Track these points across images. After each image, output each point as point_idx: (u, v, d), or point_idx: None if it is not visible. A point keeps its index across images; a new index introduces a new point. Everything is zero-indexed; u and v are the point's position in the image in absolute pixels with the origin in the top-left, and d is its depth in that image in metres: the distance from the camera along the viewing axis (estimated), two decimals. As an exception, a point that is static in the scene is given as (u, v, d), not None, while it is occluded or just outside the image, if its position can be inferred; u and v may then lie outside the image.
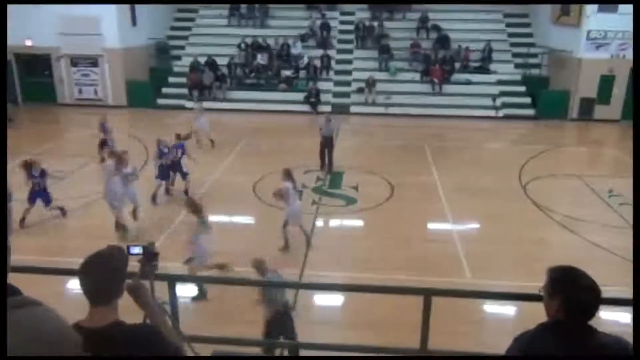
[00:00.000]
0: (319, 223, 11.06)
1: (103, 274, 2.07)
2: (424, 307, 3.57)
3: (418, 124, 19.47)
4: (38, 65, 21.71)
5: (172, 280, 3.65)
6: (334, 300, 8.21)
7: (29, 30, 20.33)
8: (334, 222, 11.37)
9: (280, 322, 6.01)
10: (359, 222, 11.41)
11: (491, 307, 7.94)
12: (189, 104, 21.25)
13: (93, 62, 21.43)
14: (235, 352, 4.53)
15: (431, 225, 11.17)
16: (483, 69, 22.08)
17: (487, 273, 8.89)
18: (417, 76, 21.91)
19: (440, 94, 21.30)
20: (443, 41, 22.73)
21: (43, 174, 10.41)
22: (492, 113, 20.73)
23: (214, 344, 4.23)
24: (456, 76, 21.78)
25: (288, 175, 9.61)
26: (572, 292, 2.24)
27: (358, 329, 7.33)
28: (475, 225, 11.16)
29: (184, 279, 5.22)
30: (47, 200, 10.51)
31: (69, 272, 4.75)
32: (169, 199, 12.11)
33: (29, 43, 20.78)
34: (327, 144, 14.18)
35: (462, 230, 10.73)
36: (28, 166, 10.24)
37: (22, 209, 10.26)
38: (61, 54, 21.24)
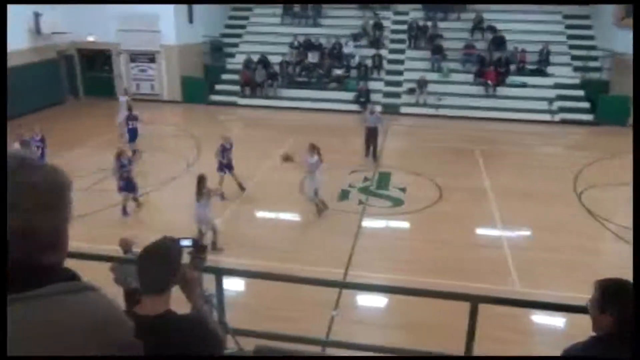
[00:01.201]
0: (365, 223, 11.03)
1: (160, 264, 2.16)
2: (470, 315, 3.51)
3: (469, 127, 19.09)
4: (99, 60, 22.55)
5: (220, 273, 3.73)
6: (377, 301, 8.18)
7: (92, 26, 21.14)
8: (379, 223, 11.31)
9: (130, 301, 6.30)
10: (405, 224, 11.31)
11: (538, 317, 7.72)
12: (241, 101, 21.63)
13: (151, 58, 22.08)
14: (276, 347, 4.59)
15: (479, 230, 10.95)
16: (540, 72, 21.42)
17: (535, 282, 8.64)
18: (470, 78, 21.49)
19: (494, 97, 20.81)
20: (498, 42, 22.19)
21: (130, 162, 11.14)
22: (548, 117, 20.08)
23: (257, 338, 4.29)
24: (511, 78, 21.22)
25: (313, 148, 11.10)
26: (625, 306, 2.16)
27: (401, 331, 7.28)
28: (526, 232, 10.86)
29: (231, 272, 5.32)
30: (132, 188, 11.17)
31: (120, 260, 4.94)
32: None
33: (91, 39, 21.59)
34: (371, 134, 14.66)
35: (512, 237, 10.46)
36: (119, 155, 10.95)
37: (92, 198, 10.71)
38: (121, 49, 21.99)
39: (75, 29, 20.79)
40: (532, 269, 9.10)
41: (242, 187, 12.32)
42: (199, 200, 9.38)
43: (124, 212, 11.04)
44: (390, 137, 17.63)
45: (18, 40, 18.85)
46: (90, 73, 22.78)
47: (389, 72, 22.32)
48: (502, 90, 20.88)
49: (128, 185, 11.07)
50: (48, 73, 20.42)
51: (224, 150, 12.07)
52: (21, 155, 1.19)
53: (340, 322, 7.42)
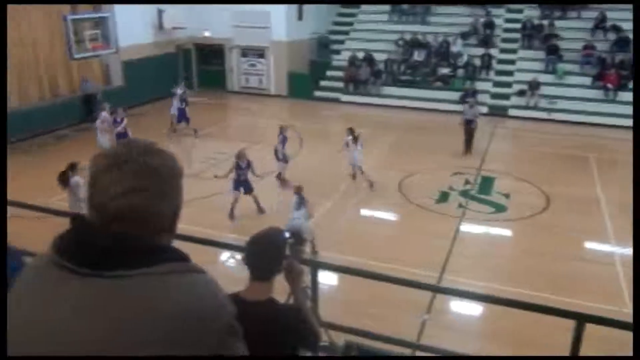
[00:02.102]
0: (464, 228, 10.70)
1: (268, 251, 2.26)
2: (575, 334, 3.29)
3: (584, 133, 17.84)
4: (212, 54, 23.71)
5: (316, 266, 3.80)
6: (471, 308, 7.92)
7: (208, 22, 22.27)
8: (479, 229, 10.93)
9: None
10: (506, 232, 10.84)
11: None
12: (343, 98, 21.80)
13: (260, 53, 22.87)
14: (365, 345, 4.59)
15: (589, 244, 10.23)
16: (670, 76, 19.54)
17: (651, 305, 7.92)
18: (588, 81, 20.07)
19: (615, 102, 19.28)
20: (623, 43, 20.49)
21: (248, 165, 10.90)
22: (676, 126, 18.28)
23: (346, 333, 4.32)
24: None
25: (350, 131, 12.46)
26: None
27: (494, 343, 7.01)
28: (643, 250, 9.96)
29: (326, 266, 5.40)
30: (249, 190, 10.93)
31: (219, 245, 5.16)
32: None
33: (207, 34, 22.76)
34: (468, 128, 15.10)
35: (626, 254, 9.66)
36: (237, 158, 10.85)
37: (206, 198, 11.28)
38: (233, 44, 22.97)
39: (193, 24, 22.05)
40: (648, 291, 8.34)
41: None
42: (299, 209, 9.05)
43: (231, 215, 10.78)
44: (497, 140, 16.95)
45: (144, 35, 20.42)
46: (204, 66, 24.02)
47: (498, 73, 21.43)
48: (623, 95, 19.27)
49: (239, 186, 10.83)
50: (167, 65, 21.85)
51: (285, 140, 12.48)
52: (146, 141, 1.28)
53: (431, 326, 7.28)
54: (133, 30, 19.20)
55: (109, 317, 1.10)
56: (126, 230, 1.17)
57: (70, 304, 1.12)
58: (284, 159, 12.63)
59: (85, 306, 1.11)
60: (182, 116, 16.47)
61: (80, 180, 9.24)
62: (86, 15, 17.38)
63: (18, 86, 16.30)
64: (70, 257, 1.15)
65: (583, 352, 3.39)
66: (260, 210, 10.96)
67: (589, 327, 3.29)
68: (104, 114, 13.91)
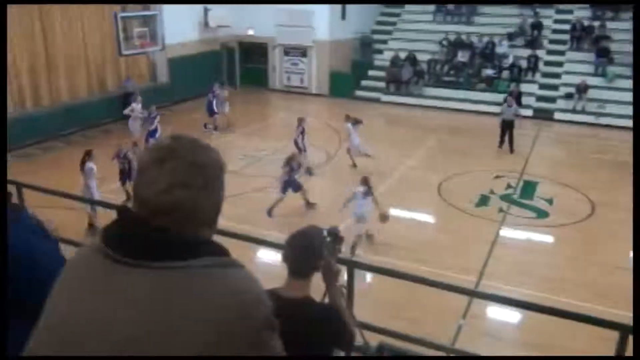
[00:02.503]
0: (503, 233, 10.51)
1: (307, 249, 2.29)
2: (618, 346, 3.20)
3: (634, 139, 17.20)
4: (255, 53, 23.94)
5: (352, 265, 3.81)
6: (509, 315, 7.77)
7: (252, 21, 22.50)
8: (520, 235, 10.70)
9: None
10: (548, 238, 10.58)
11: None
12: (384, 98, 21.67)
13: (303, 52, 22.95)
14: (399, 346, 4.57)
15: (635, 254, 9.87)
16: None
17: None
18: None
19: (668, 107, 18.52)
20: (679, 46, 19.68)
21: (299, 166, 11.37)
22: None
23: (379, 334, 4.32)
24: (691, 87, 18.73)
25: (348, 118, 13.52)
26: None
27: (533, 352, 6.86)
28: (694, 263, 9.56)
29: (362, 266, 5.40)
30: (298, 188, 11.13)
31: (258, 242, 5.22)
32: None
33: (250, 32, 23.00)
34: (506, 127, 15.26)
35: (675, 266, 9.28)
36: (290, 160, 11.13)
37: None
38: (276, 43, 23.13)
39: (238, 23, 22.33)
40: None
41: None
42: (366, 197, 9.15)
43: (270, 213, 10.91)
44: (541, 143, 16.56)
45: (190, 33, 20.83)
46: (247, 65, 24.28)
47: (544, 75, 20.88)
48: (678, 100, 18.50)
49: (288, 187, 11.01)
50: (211, 63, 22.20)
51: (303, 132, 13.14)
52: (192, 137, 1.31)
53: (467, 332, 7.18)
54: (179, 28, 19.60)
55: (152, 307, 1.14)
56: (169, 223, 1.19)
57: (113, 293, 1.16)
58: (304, 150, 13.20)
59: (125, 296, 1.15)
60: (210, 109, 16.98)
61: (93, 167, 9.96)
62: (135, 13, 17.84)
63: (69, 83, 16.90)
64: (115, 247, 1.19)
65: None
66: (310, 205, 11.15)
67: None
68: (134, 104, 15.16)
